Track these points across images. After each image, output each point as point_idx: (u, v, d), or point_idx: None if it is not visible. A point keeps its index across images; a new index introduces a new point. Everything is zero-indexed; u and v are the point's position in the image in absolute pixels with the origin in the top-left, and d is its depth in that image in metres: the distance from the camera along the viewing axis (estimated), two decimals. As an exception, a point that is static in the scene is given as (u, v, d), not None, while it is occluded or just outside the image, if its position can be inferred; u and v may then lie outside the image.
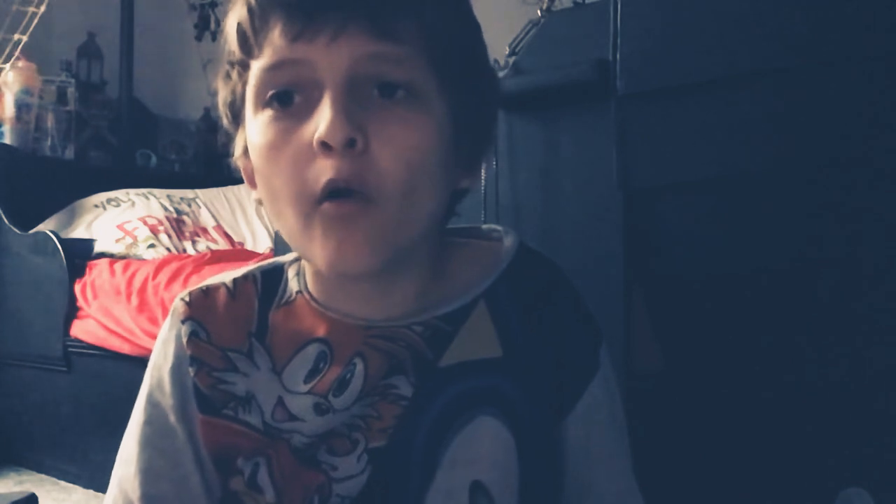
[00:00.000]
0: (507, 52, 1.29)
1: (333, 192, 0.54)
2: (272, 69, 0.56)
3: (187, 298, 0.66)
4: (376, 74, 0.55)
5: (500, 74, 1.27)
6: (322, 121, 0.53)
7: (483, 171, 1.28)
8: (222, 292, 0.66)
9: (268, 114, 0.57)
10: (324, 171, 0.54)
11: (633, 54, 1.10)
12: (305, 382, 0.62)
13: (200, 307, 0.65)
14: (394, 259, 0.58)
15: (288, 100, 0.56)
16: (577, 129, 1.21)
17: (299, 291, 0.65)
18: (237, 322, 0.65)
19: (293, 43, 0.55)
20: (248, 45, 0.58)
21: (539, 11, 1.30)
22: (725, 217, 1.06)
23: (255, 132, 0.58)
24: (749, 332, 1.03)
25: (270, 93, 0.57)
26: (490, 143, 0.66)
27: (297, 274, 0.66)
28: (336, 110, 0.53)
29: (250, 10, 0.57)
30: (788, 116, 0.99)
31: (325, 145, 0.53)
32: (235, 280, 0.67)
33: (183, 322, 0.65)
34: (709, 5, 1.04)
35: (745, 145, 1.03)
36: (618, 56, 1.11)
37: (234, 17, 0.59)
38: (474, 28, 0.63)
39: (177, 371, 0.64)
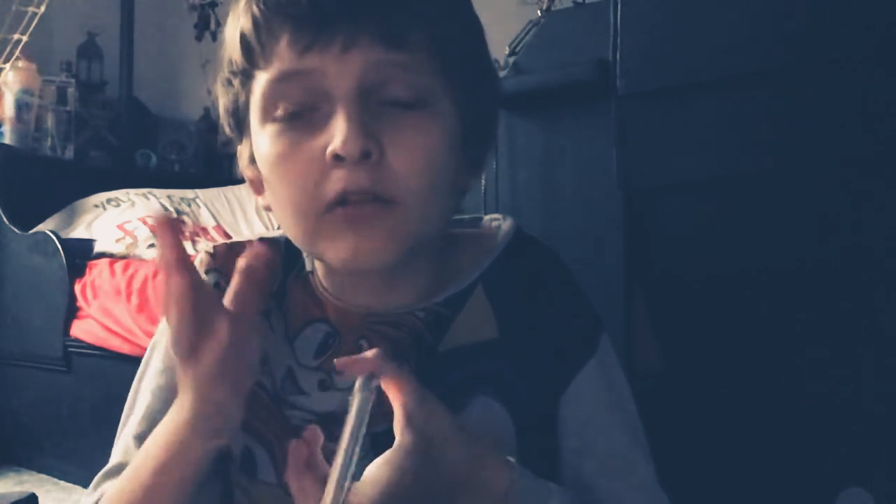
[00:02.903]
0: (507, 52, 1.29)
1: (345, 199, 0.55)
2: (281, 81, 0.56)
3: (212, 251, 0.67)
4: (387, 83, 0.55)
5: (500, 74, 1.27)
6: (337, 133, 0.53)
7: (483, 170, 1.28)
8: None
9: (277, 126, 0.57)
10: (337, 180, 0.55)
11: (633, 54, 1.10)
12: (315, 358, 0.63)
13: (225, 260, 0.66)
14: (407, 255, 0.59)
15: (296, 111, 0.56)
16: (577, 129, 1.21)
17: (311, 272, 0.67)
18: None
19: (303, 55, 0.55)
20: (253, 55, 0.57)
21: (539, 11, 1.30)
22: (725, 217, 1.06)
23: (263, 143, 0.58)
24: (749, 331, 1.03)
25: (280, 105, 0.56)
26: (493, 144, 0.67)
27: (309, 255, 0.68)
28: (350, 122, 0.53)
29: (255, 20, 0.56)
30: (788, 116, 0.99)
31: (339, 157, 0.54)
32: (262, 240, 0.68)
33: (206, 273, 0.66)
34: (709, 5, 1.04)
35: (745, 145, 1.03)
36: (618, 56, 1.11)
37: (237, 26, 0.58)
38: (478, 31, 0.63)
39: None
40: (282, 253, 0.67)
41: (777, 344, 1.01)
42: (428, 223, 0.59)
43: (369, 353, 0.52)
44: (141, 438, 0.63)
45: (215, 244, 0.69)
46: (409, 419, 0.51)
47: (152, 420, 0.63)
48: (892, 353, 0.93)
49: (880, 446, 0.93)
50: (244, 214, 2.47)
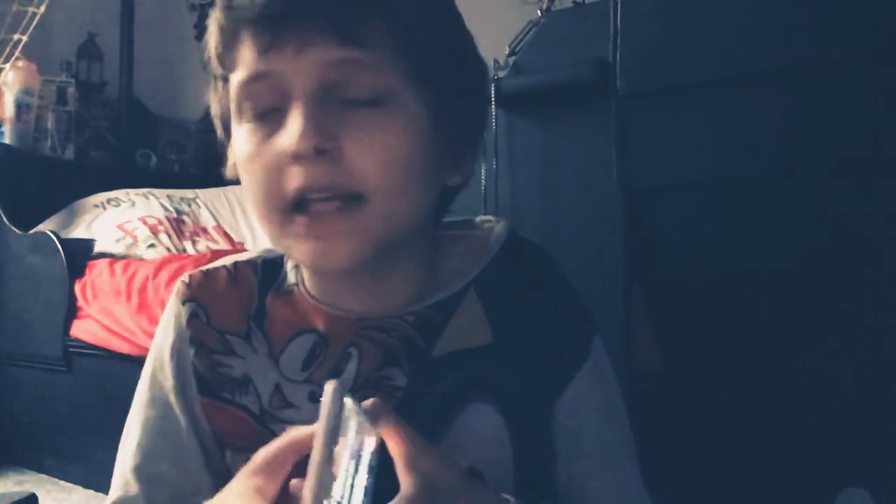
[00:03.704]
0: (507, 52, 1.29)
1: (306, 199, 0.55)
2: (247, 83, 0.57)
3: (188, 280, 0.67)
4: (344, 81, 0.55)
5: (501, 74, 1.27)
6: (291, 131, 0.54)
7: (483, 170, 1.28)
8: (223, 274, 0.67)
9: (246, 126, 0.58)
10: (294, 178, 0.55)
11: (633, 54, 1.10)
12: (303, 370, 0.63)
13: (200, 289, 0.67)
14: (381, 254, 0.58)
15: (264, 112, 0.57)
16: (577, 129, 1.21)
17: (295, 284, 0.66)
18: (237, 304, 0.65)
19: (262, 56, 0.56)
20: (223, 60, 0.59)
21: (539, 11, 1.30)
22: (725, 217, 1.06)
23: (237, 144, 0.59)
24: (749, 331, 1.03)
25: (247, 106, 0.58)
26: (478, 138, 0.65)
27: (295, 267, 0.67)
28: (304, 120, 0.54)
29: (220, 26, 0.58)
30: (788, 116, 0.99)
31: (296, 154, 0.54)
32: (237, 263, 0.68)
33: (183, 303, 0.66)
34: (709, 5, 1.04)
35: (745, 145, 1.03)
36: (618, 56, 1.11)
37: (210, 32, 0.60)
38: (451, 21, 0.61)
39: (177, 352, 0.65)
40: (258, 272, 0.67)
41: (777, 344, 1.01)
42: (397, 221, 0.58)
43: (368, 403, 0.50)
44: (137, 471, 0.64)
45: (191, 273, 0.68)
46: (413, 466, 0.49)
47: (146, 452, 0.64)
48: (893, 352, 0.93)
49: (880, 446, 0.93)
50: (244, 214, 2.47)
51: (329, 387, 0.47)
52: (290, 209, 0.56)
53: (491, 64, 1.27)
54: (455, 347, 0.62)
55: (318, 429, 0.46)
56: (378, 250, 0.57)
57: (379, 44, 0.55)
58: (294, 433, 0.51)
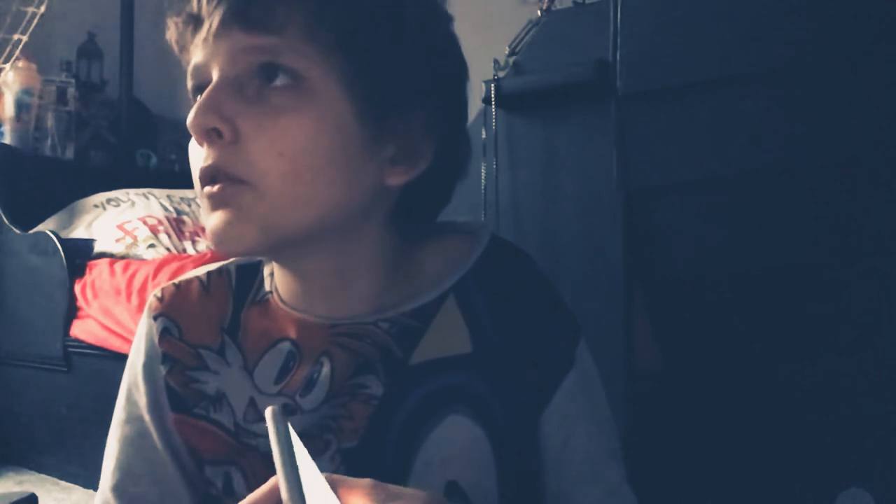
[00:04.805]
0: (507, 52, 1.29)
1: (210, 177, 0.55)
2: (191, 75, 0.58)
3: (160, 294, 0.66)
4: (252, 68, 0.55)
5: (501, 74, 1.27)
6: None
7: (483, 170, 1.28)
8: (195, 286, 0.66)
9: None
10: (202, 157, 0.55)
11: (633, 54, 1.10)
12: (276, 383, 0.61)
13: (173, 303, 0.65)
14: (282, 243, 0.56)
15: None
16: (577, 129, 1.21)
17: (270, 292, 0.65)
18: (210, 317, 0.64)
19: (193, 47, 0.57)
20: (181, 55, 0.60)
21: (539, 11, 1.30)
22: (725, 217, 1.06)
23: None
24: (749, 331, 1.03)
25: (193, 94, 0.59)
26: (429, 139, 0.59)
27: (271, 274, 0.66)
28: (200, 103, 0.54)
29: (174, 23, 0.59)
30: (788, 116, 0.99)
31: (192, 131, 0.55)
32: (209, 273, 0.67)
33: (155, 319, 0.64)
34: (708, 6, 1.04)
35: (744, 145, 1.03)
36: (618, 56, 1.11)
37: (168, 28, 0.62)
38: (389, 11, 0.57)
39: (149, 369, 0.64)
40: (232, 282, 0.66)
41: (777, 343, 1.01)
42: (295, 213, 0.55)
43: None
44: (117, 490, 0.63)
45: (163, 286, 0.67)
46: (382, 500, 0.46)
47: (124, 471, 0.63)
48: (892, 353, 0.93)
49: (880, 446, 0.93)
50: (244, 214, 2.47)
51: (267, 414, 0.46)
52: (202, 187, 0.56)
53: (491, 64, 1.27)
54: (433, 356, 0.61)
55: (274, 456, 0.45)
56: (278, 239, 0.56)
57: (289, 32, 0.54)
58: (269, 482, 0.48)
